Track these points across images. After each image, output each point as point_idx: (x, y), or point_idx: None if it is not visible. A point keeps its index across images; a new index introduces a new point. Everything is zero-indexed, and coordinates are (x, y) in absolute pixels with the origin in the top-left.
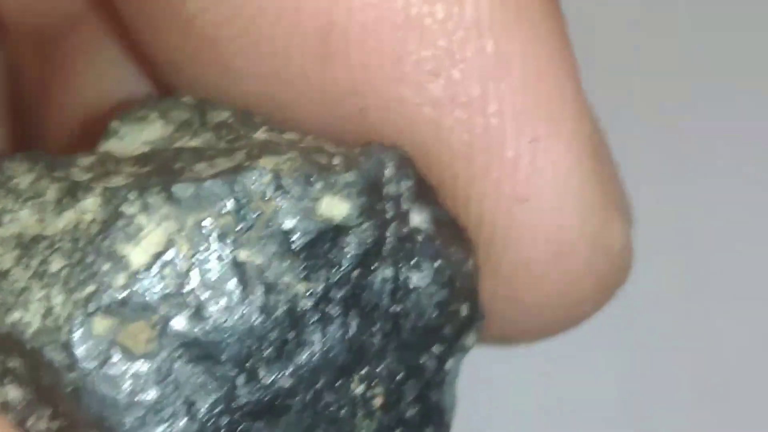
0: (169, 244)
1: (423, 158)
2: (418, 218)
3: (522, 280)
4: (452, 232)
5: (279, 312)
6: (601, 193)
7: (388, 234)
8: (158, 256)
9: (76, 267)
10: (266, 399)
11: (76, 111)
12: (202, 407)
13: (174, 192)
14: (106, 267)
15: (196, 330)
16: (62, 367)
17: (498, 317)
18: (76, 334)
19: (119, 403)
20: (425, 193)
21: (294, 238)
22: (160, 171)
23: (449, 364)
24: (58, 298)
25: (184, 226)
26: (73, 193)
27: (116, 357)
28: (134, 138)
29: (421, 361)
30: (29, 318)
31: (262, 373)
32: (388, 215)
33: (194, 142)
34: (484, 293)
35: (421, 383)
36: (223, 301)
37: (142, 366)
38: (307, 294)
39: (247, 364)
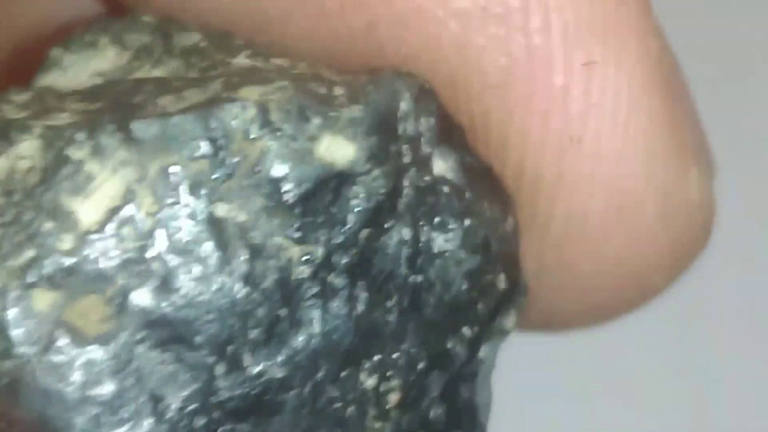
0: (128, 196)
1: (447, 89)
2: (442, 165)
3: (575, 243)
4: (485, 184)
5: (268, 282)
6: (674, 133)
7: (405, 184)
8: (114, 212)
9: (10, 227)
10: (253, 393)
11: (5, 37)
12: (172, 404)
13: (133, 131)
14: (48, 226)
15: (163, 305)
16: None
17: (544, 293)
18: (11, 312)
19: (67, 399)
20: (450, 134)
21: (286, 188)
22: (115, 107)
23: (483, 352)
24: None
25: (147, 174)
26: (4, 134)
27: (63, 341)
28: (81, 69)
29: (448, 347)
30: None
31: (247, 360)
32: (405, 160)
33: (157, 72)
34: (527, 261)
35: (448, 375)
36: (196, 269)
37: (95, 352)
38: (304, 260)
39: (229, 349)
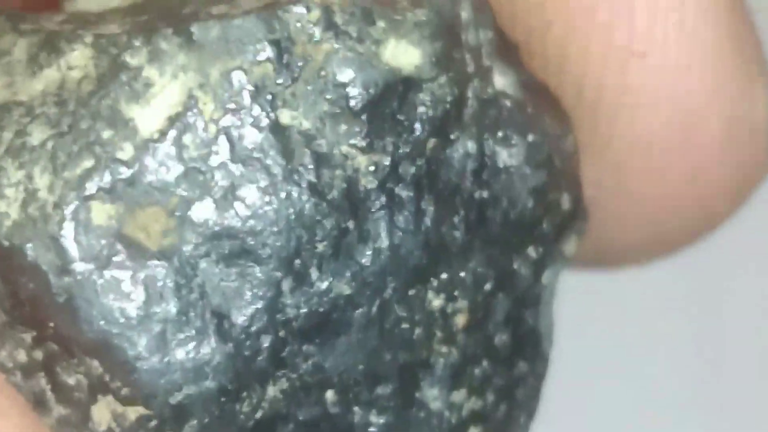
0: (189, 103)
1: (504, 2)
2: (501, 80)
3: (636, 164)
4: (544, 100)
5: (335, 193)
6: (740, 47)
7: (469, 94)
8: (175, 119)
9: (66, 136)
10: (320, 311)
11: None
12: (238, 322)
13: (193, 34)
14: (107, 135)
15: (227, 217)
16: (52, 269)
17: (600, 220)
18: (68, 226)
19: (129, 317)
20: (506, 50)
21: (352, 93)
22: (166, 16)
23: (547, 276)
24: (42, 179)
25: (208, 79)
26: (52, 46)
27: (122, 255)
28: None
29: (514, 267)
30: (4, 208)
31: (314, 275)
32: (469, 69)
33: None
34: (587, 185)
35: (513, 298)
36: (262, 179)
37: (157, 267)
38: (371, 169)
39: (296, 263)
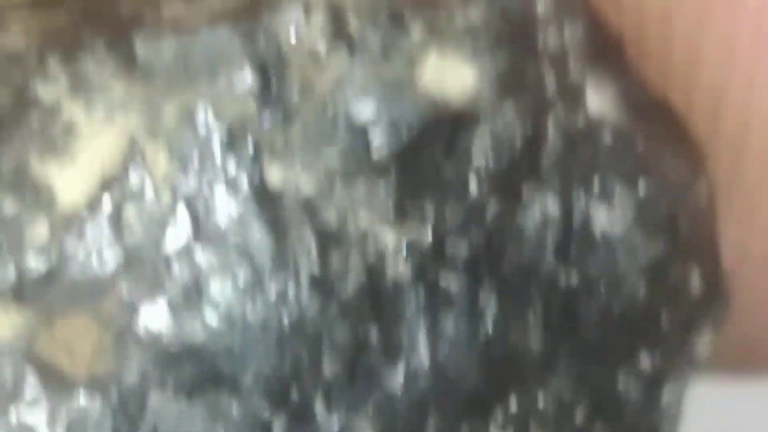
0: (132, 158)
1: None
2: (597, 99)
3: None
4: (663, 128)
5: (349, 288)
6: None
7: (549, 128)
8: (111, 183)
9: None
10: None
11: None
12: None
13: (138, 53)
14: (10, 208)
15: (189, 330)
16: None
17: (750, 302)
18: None
19: None
20: (605, 50)
21: (375, 138)
22: (93, 19)
23: (668, 396)
24: None
25: (160, 120)
26: None
27: (35, 387)
28: None
29: (618, 386)
30: None
31: (320, 411)
32: (548, 91)
33: None
34: (727, 249)
35: (617, 428)
36: (241, 271)
37: (86, 404)
38: (403, 251)
39: (292, 396)
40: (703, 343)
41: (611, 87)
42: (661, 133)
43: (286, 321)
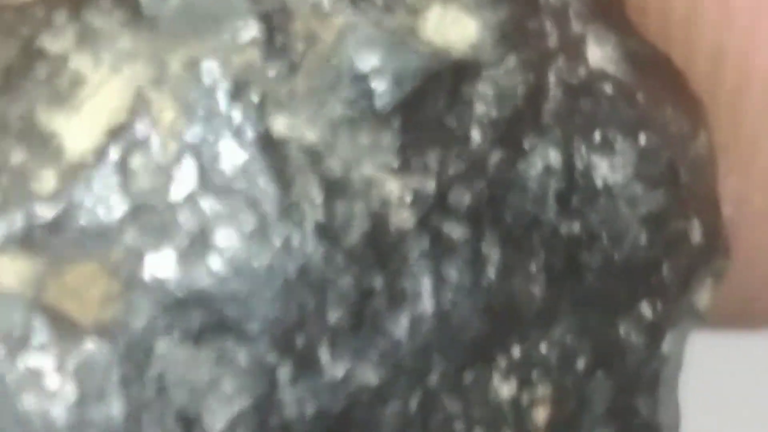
0: (139, 108)
1: None
2: (598, 53)
3: None
4: (663, 81)
5: (354, 236)
6: None
7: (551, 80)
8: (118, 133)
9: None
10: (335, 410)
11: None
12: (214, 429)
13: (143, 4)
14: (17, 158)
15: (196, 277)
16: None
17: (751, 253)
18: None
19: (54, 426)
20: (606, 5)
21: (379, 88)
22: None
23: (668, 344)
24: None
25: (166, 72)
26: None
27: (44, 334)
28: None
29: (620, 334)
30: None
31: (324, 358)
32: (550, 43)
33: None
34: (727, 205)
35: (619, 379)
36: (246, 220)
37: (95, 350)
38: (407, 200)
39: (298, 342)
40: (704, 294)
41: (612, 40)
42: (661, 87)
43: (291, 268)
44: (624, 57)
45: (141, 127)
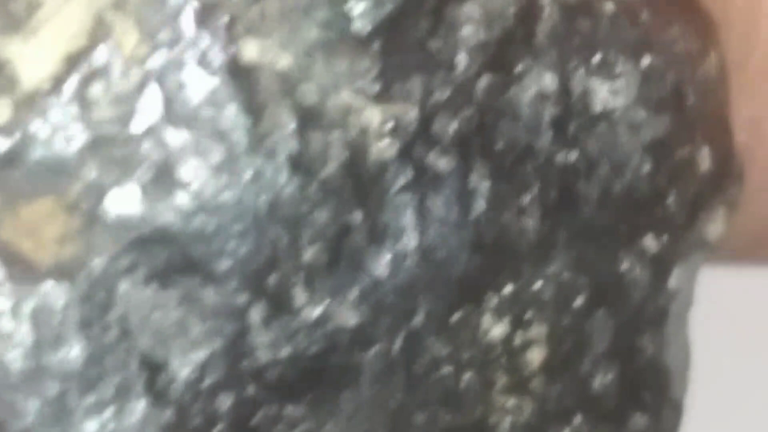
0: (99, 32)
1: None
2: None
3: None
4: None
5: (330, 168)
6: None
7: (543, 1)
8: (77, 59)
9: None
10: (309, 353)
11: None
12: (180, 374)
13: None
14: None
15: (160, 212)
16: None
17: (760, 181)
18: None
19: (11, 373)
20: None
21: (355, 8)
22: None
23: (676, 278)
24: None
25: None
26: None
27: None
28: None
29: (621, 268)
30: None
31: (299, 297)
32: None
33: None
34: (740, 129)
35: (621, 317)
36: (215, 150)
37: (53, 291)
38: (388, 127)
39: (270, 281)
40: (715, 224)
41: None
42: (669, 3)
43: (262, 202)
44: None
45: (101, 54)
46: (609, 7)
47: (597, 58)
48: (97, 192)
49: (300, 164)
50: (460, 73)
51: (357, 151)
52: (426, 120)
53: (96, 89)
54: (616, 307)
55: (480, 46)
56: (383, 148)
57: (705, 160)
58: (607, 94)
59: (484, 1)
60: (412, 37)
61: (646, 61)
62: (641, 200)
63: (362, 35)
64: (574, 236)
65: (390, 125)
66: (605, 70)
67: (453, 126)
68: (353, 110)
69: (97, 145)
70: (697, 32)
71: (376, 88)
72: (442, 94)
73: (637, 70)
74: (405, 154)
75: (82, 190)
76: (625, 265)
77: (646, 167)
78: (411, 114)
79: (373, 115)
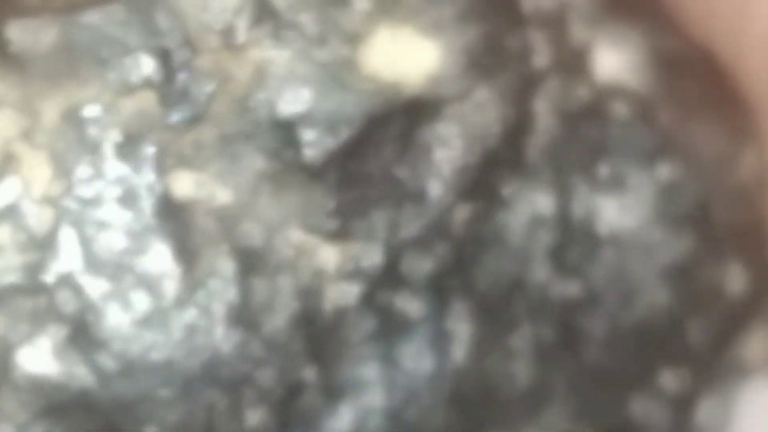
0: (6, 167)
1: None
2: (612, 61)
3: None
4: (698, 88)
5: (277, 321)
6: None
7: (538, 110)
8: None
9: None
10: None
11: None
12: None
13: (12, 40)
14: None
15: (79, 374)
16: None
17: None
18: None
19: None
20: None
21: (305, 136)
22: None
23: (705, 411)
24: None
25: (40, 122)
26: None
27: None
28: None
29: (631, 413)
30: None
31: None
32: (538, 62)
33: None
34: None
35: None
36: (140, 301)
37: None
38: (346, 271)
39: None
40: (755, 345)
41: (632, 39)
42: (697, 94)
43: (195, 362)
44: (647, 59)
45: (9, 193)
46: (621, 109)
47: (604, 170)
48: (5, 350)
49: (240, 317)
50: (433, 204)
51: (310, 299)
52: (392, 260)
53: (3, 234)
54: None
55: (457, 171)
56: (341, 294)
57: (736, 279)
58: (614, 213)
59: (463, 119)
60: (374, 165)
61: (663, 170)
62: (656, 334)
63: (314, 165)
64: (575, 380)
65: (349, 267)
66: (613, 184)
67: (424, 265)
68: (305, 251)
69: (3, 298)
70: (730, 128)
71: (332, 225)
72: (410, 230)
73: (652, 182)
74: (367, 299)
75: None
76: (638, 408)
77: (662, 296)
78: (374, 254)
79: (329, 256)
